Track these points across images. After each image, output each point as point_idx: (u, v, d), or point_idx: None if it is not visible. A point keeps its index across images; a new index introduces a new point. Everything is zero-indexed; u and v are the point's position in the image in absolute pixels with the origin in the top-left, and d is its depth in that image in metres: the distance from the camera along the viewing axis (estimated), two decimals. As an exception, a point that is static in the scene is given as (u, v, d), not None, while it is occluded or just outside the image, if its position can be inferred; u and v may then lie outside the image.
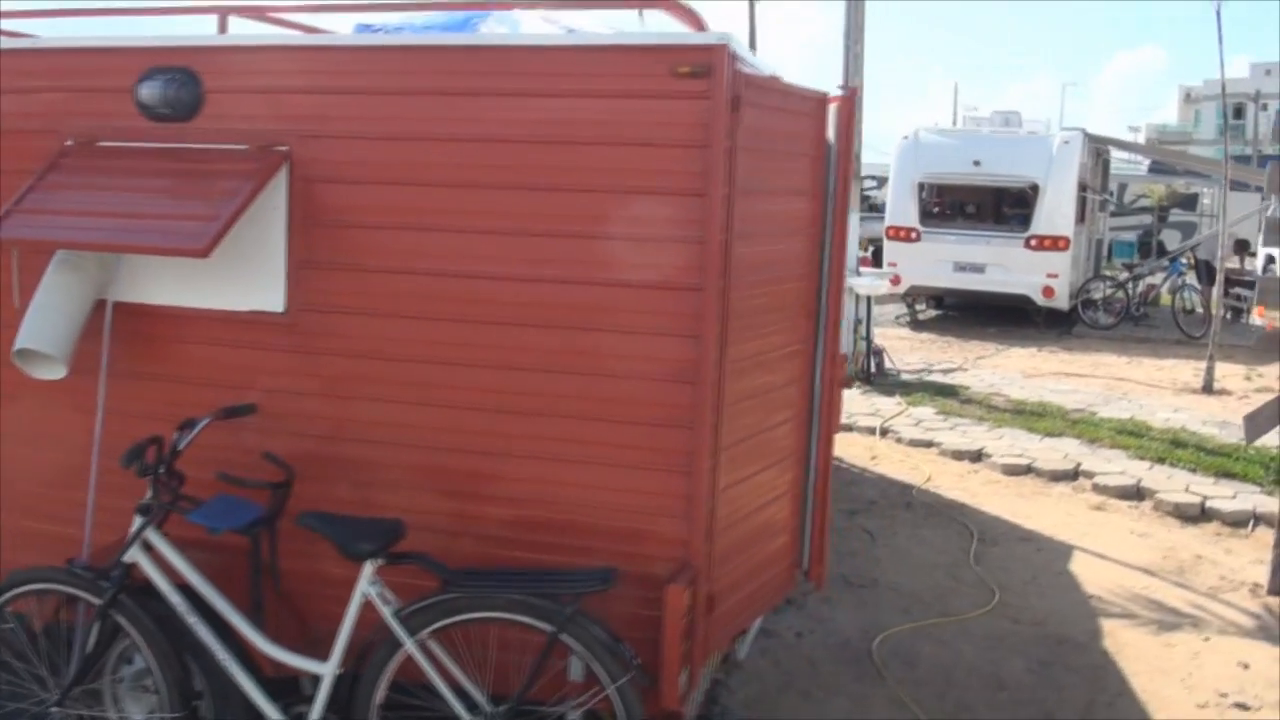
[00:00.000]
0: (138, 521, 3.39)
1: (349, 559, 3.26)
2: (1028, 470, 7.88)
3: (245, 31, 3.94)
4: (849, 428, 9.30)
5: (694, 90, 3.18)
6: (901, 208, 14.68)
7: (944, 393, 10.49)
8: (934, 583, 5.93)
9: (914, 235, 14.45)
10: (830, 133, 4.07)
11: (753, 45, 10.78)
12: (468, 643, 3.31)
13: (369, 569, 3.28)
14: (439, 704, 3.26)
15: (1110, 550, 6.39)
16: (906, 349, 13.30)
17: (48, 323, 3.52)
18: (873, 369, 11.31)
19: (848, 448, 8.73)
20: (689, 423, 3.33)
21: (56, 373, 3.59)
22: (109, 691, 3.74)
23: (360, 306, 3.54)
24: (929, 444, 8.69)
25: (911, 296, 15.27)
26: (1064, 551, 6.41)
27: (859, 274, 11.37)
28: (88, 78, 3.66)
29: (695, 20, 3.22)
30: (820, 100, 3.99)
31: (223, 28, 3.67)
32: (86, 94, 3.67)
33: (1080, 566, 6.17)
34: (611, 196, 3.30)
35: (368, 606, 3.25)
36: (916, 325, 15.36)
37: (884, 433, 9.10)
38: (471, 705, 3.27)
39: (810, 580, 4.48)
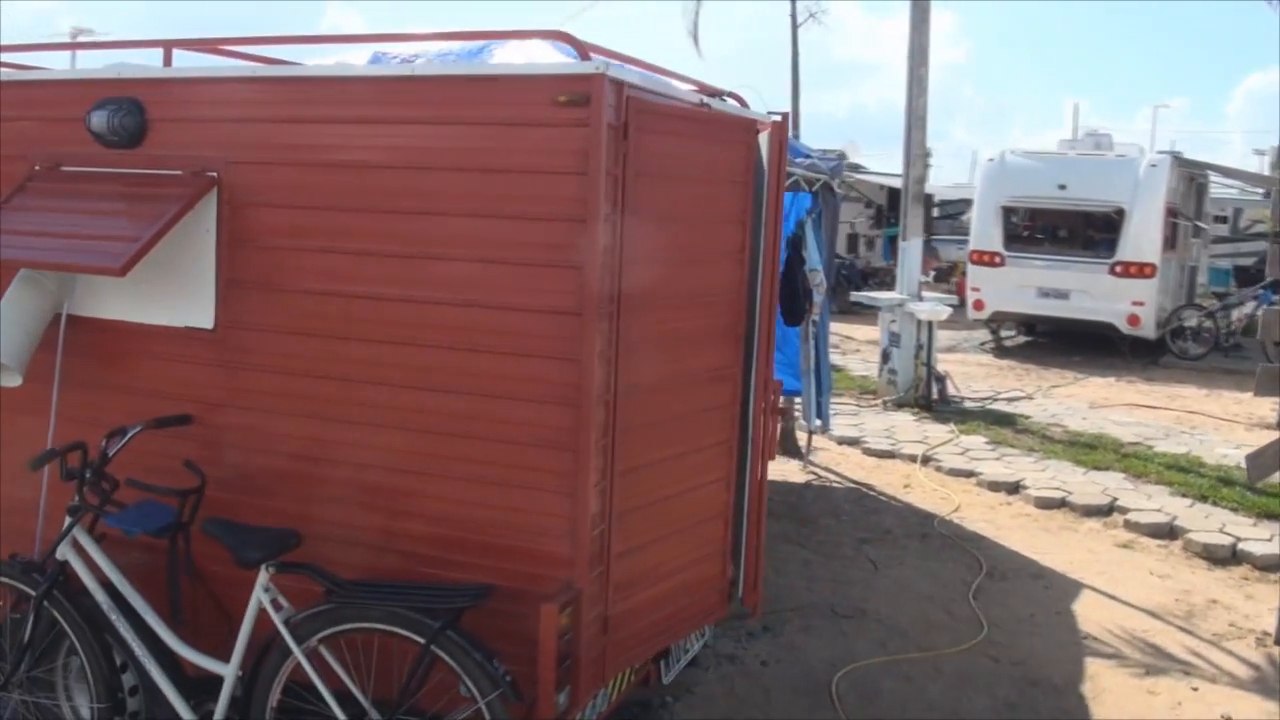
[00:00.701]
0: (67, 522, 3.64)
1: (240, 565, 3.43)
2: (1061, 504, 7.64)
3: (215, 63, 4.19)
4: (891, 455, 9.18)
5: (574, 118, 3.25)
6: (985, 231, 14.34)
7: (1001, 421, 10.23)
8: (924, 616, 5.82)
9: (998, 260, 14.10)
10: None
11: (796, 70, 10.70)
12: (365, 651, 3.44)
13: (263, 575, 3.45)
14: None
15: (1122, 590, 6.16)
16: (981, 376, 13.00)
17: (5, 335, 3.81)
18: (934, 395, 11.10)
19: (882, 475, 8.63)
20: (571, 445, 3.39)
21: (13, 381, 3.87)
22: (60, 681, 4.00)
23: (277, 325, 3.72)
24: (969, 474, 8.51)
25: (995, 322, 14.88)
26: (1073, 590, 6.20)
27: (920, 298, 11.19)
28: (52, 108, 3.95)
29: (581, 49, 3.29)
30: (750, 126, 4.01)
31: (167, 60, 3.91)
32: (52, 123, 3.96)
33: (1084, 606, 5.96)
34: (499, 221, 3.40)
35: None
36: (1000, 352, 14.96)
37: (925, 461, 8.94)
38: (360, 712, 3.40)
39: (745, 606, 4.47)
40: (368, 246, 3.57)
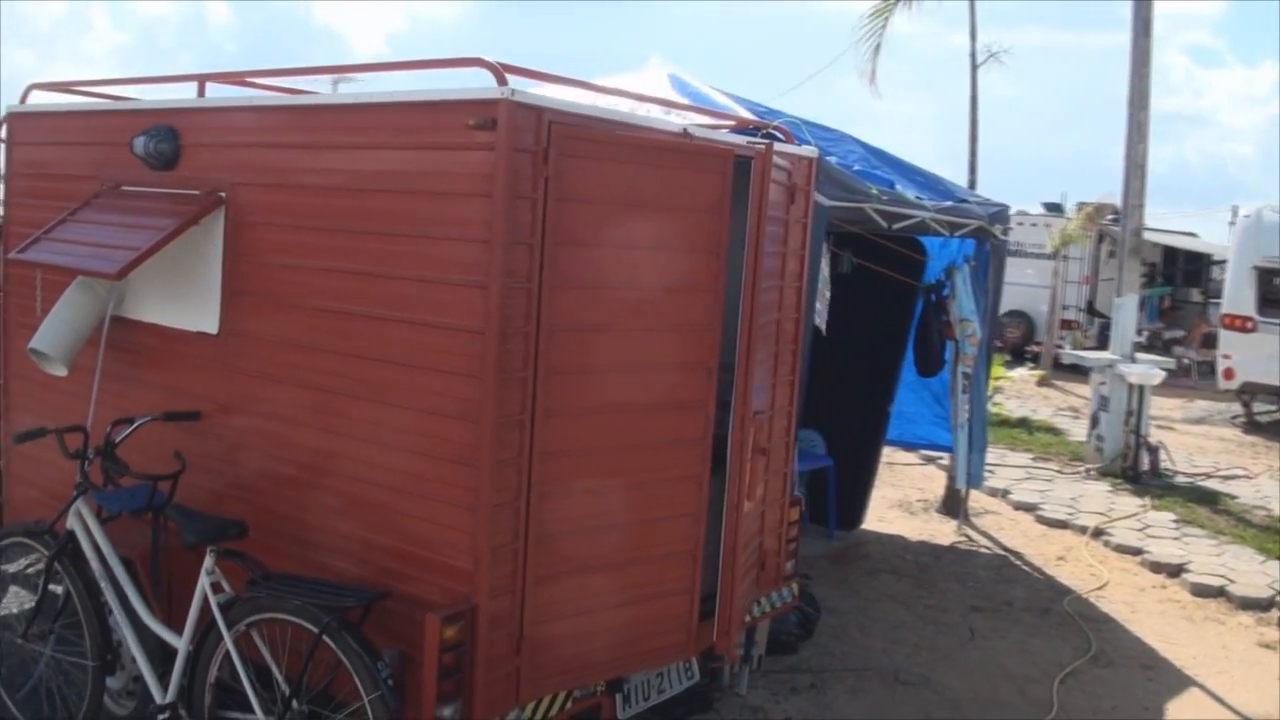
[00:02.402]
0: (73, 495, 4.11)
1: (183, 547, 3.74)
2: (1219, 593, 6.78)
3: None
4: (1063, 525, 8.47)
5: (483, 142, 3.34)
6: (1238, 294, 12.91)
7: (1203, 500, 9.18)
8: (992, 694, 5.36)
9: (1250, 325, 12.64)
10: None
11: (974, 111, 10.11)
12: (295, 639, 3.64)
13: (208, 560, 3.74)
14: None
15: (1237, 695, 5.41)
16: (1214, 451, 11.69)
17: (56, 330, 4.36)
18: (1144, 466, 10.10)
19: (1041, 545, 8.01)
20: (472, 461, 3.45)
21: (59, 370, 4.42)
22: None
23: (261, 332, 4.03)
24: (1136, 552, 7.73)
25: (1247, 394, 13.28)
26: (1180, 686, 5.50)
27: (1133, 360, 10.26)
28: (116, 134, 4.49)
29: (498, 75, 3.37)
30: (724, 156, 3.93)
31: (201, 91, 4.36)
32: (116, 148, 4.50)
33: (1182, 707, 5.28)
34: (422, 241, 3.54)
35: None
36: (1251, 427, 13.32)
37: (1096, 534, 8.19)
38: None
39: (719, 652, 4.30)
40: (326, 263, 3.81)
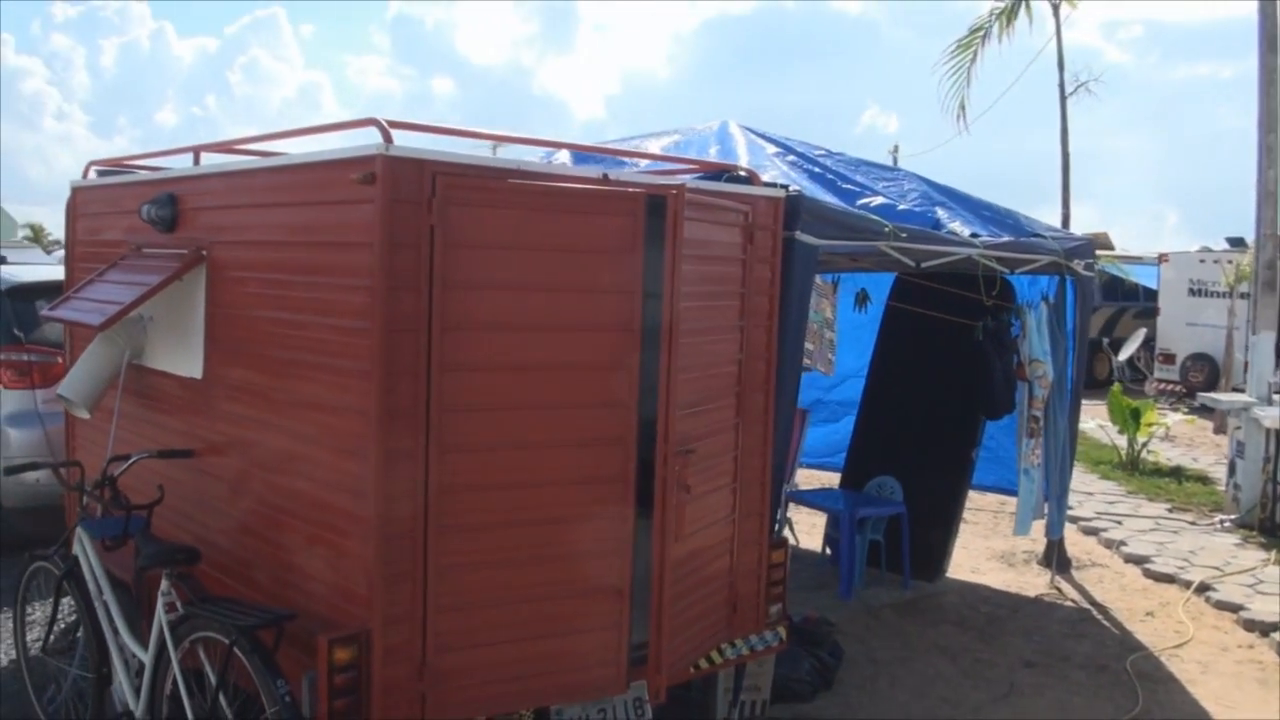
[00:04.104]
0: (74, 523, 4.60)
1: (139, 569, 4.15)
2: (1306, 656, 6.16)
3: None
4: (1170, 579, 7.91)
5: (366, 195, 3.61)
6: None
7: (1339, 555, 8.32)
8: (1002, 752, 5.10)
9: None
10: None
11: (1065, 144, 9.59)
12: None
13: (164, 582, 4.13)
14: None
15: (1276, 765, 4.90)
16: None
17: (79, 379, 4.92)
18: (1282, 518, 9.27)
19: (1134, 600, 7.58)
20: (364, 492, 3.68)
21: (83, 414, 4.98)
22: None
23: (229, 377, 4.43)
24: (1235, 608, 7.14)
25: None
26: (1216, 754, 5.05)
27: (1270, 402, 9.48)
28: (137, 202, 5.05)
29: (385, 134, 3.62)
30: (635, 199, 4.04)
31: (196, 160, 4.85)
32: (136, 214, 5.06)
33: (1205, 774, 4.84)
34: (325, 288, 3.84)
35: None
36: None
37: (1201, 589, 7.59)
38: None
39: (650, 688, 4.32)
40: (264, 312, 4.18)
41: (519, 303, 3.90)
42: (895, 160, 20.47)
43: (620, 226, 4.03)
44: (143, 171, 5.52)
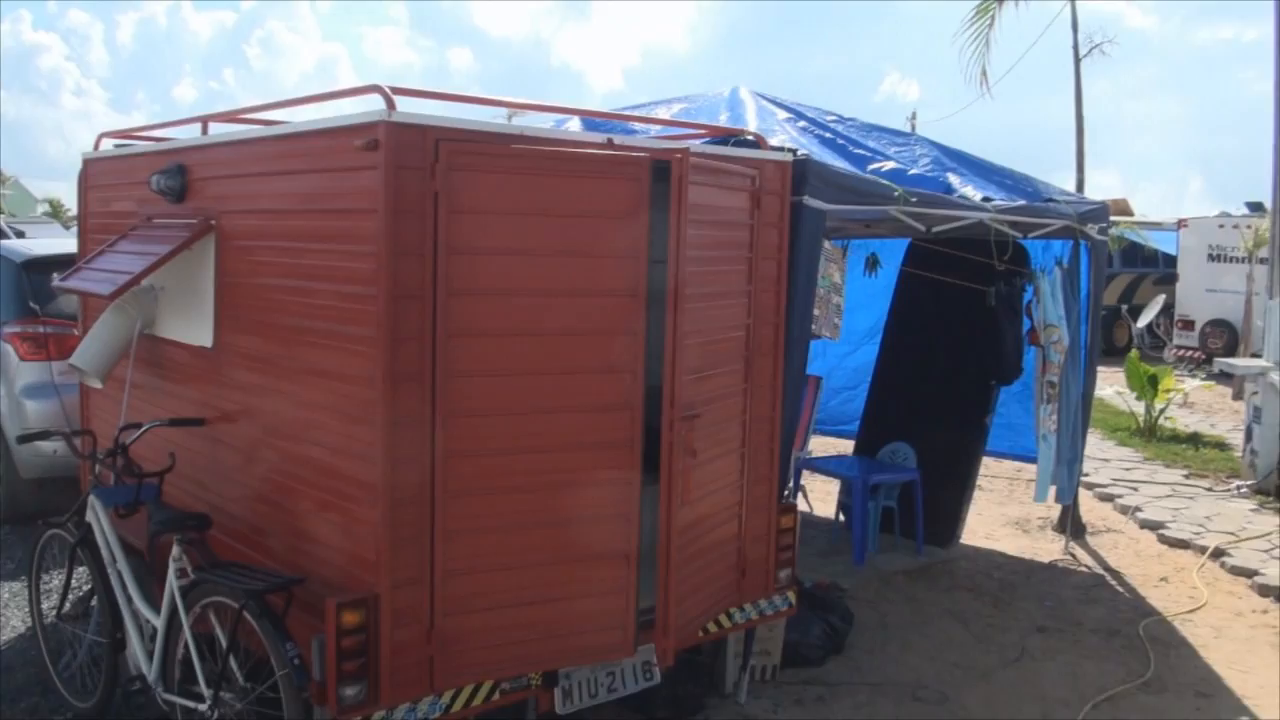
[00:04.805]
0: (86, 492, 4.65)
1: (150, 535, 4.19)
2: (1320, 620, 6.13)
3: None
4: (1184, 545, 7.89)
5: (370, 162, 3.61)
6: None
7: (1361, 520, 8.27)
8: (1014, 714, 5.12)
9: None
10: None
11: (1079, 106, 9.46)
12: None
13: (175, 548, 4.17)
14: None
15: (1288, 727, 4.90)
16: None
17: (92, 349, 4.95)
18: (1307, 484, 9.22)
19: (1149, 566, 7.54)
20: (372, 457, 3.71)
21: (96, 384, 5.02)
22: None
23: (239, 346, 4.45)
24: (1251, 573, 7.12)
25: None
26: (1230, 717, 5.04)
27: (1288, 367, 9.40)
28: (146, 173, 5.07)
29: (389, 100, 3.61)
30: (640, 164, 4.02)
31: (204, 130, 4.85)
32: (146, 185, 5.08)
33: (1218, 736, 4.84)
34: (331, 255, 3.84)
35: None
36: None
37: (1216, 554, 7.57)
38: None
39: (658, 654, 4.34)
40: (273, 280, 4.19)
41: (524, 268, 3.90)
42: (913, 127, 20.31)
43: (625, 191, 4.02)
44: (152, 142, 5.53)
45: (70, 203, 40.08)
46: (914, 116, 28.71)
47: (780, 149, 4.95)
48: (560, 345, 4.00)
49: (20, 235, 13.84)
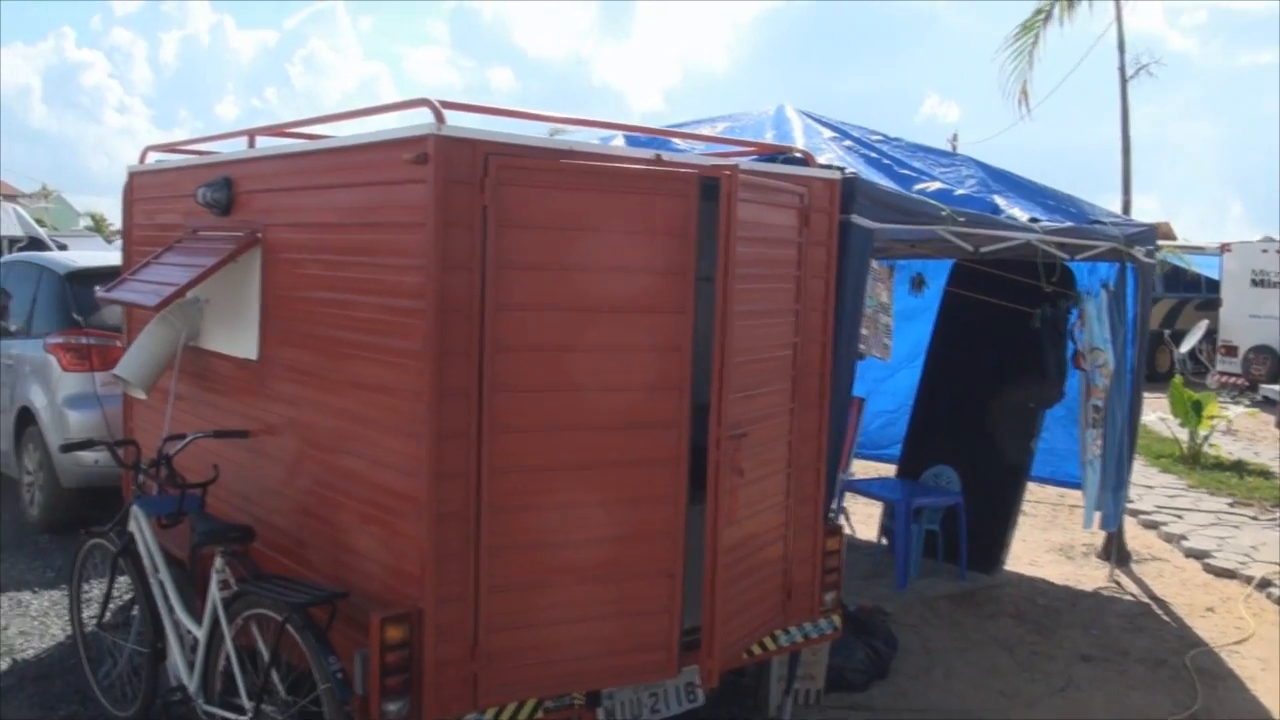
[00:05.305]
0: (129, 501, 4.66)
1: (193, 547, 4.18)
2: (1376, 654, 5.97)
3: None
4: (1230, 574, 7.73)
5: (419, 176, 3.60)
6: None
7: None
8: (1062, 746, 5.00)
9: None
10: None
11: (1125, 128, 9.32)
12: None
13: (218, 560, 4.16)
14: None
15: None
16: None
17: (136, 360, 4.97)
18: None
19: (1194, 595, 7.39)
20: (417, 472, 3.68)
21: (140, 394, 5.03)
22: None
23: (284, 358, 4.45)
24: (1304, 605, 6.92)
25: None
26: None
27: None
28: (192, 186, 5.09)
29: (438, 114, 3.60)
30: (688, 180, 3.98)
31: (251, 143, 4.87)
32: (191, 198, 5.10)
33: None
34: (379, 269, 3.84)
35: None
36: None
37: (1263, 585, 7.41)
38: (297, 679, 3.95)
39: (702, 675, 4.27)
40: (319, 293, 4.19)
41: (571, 283, 3.87)
42: (954, 148, 20.15)
43: (673, 207, 3.98)
44: (197, 156, 5.57)
45: (113, 217, 40.75)
46: (955, 138, 28.50)
47: (829, 167, 4.90)
48: (606, 361, 3.96)
49: (63, 248, 14.04)
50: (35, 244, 13.91)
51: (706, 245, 4.04)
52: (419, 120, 3.65)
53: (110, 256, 10.07)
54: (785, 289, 4.58)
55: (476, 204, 3.64)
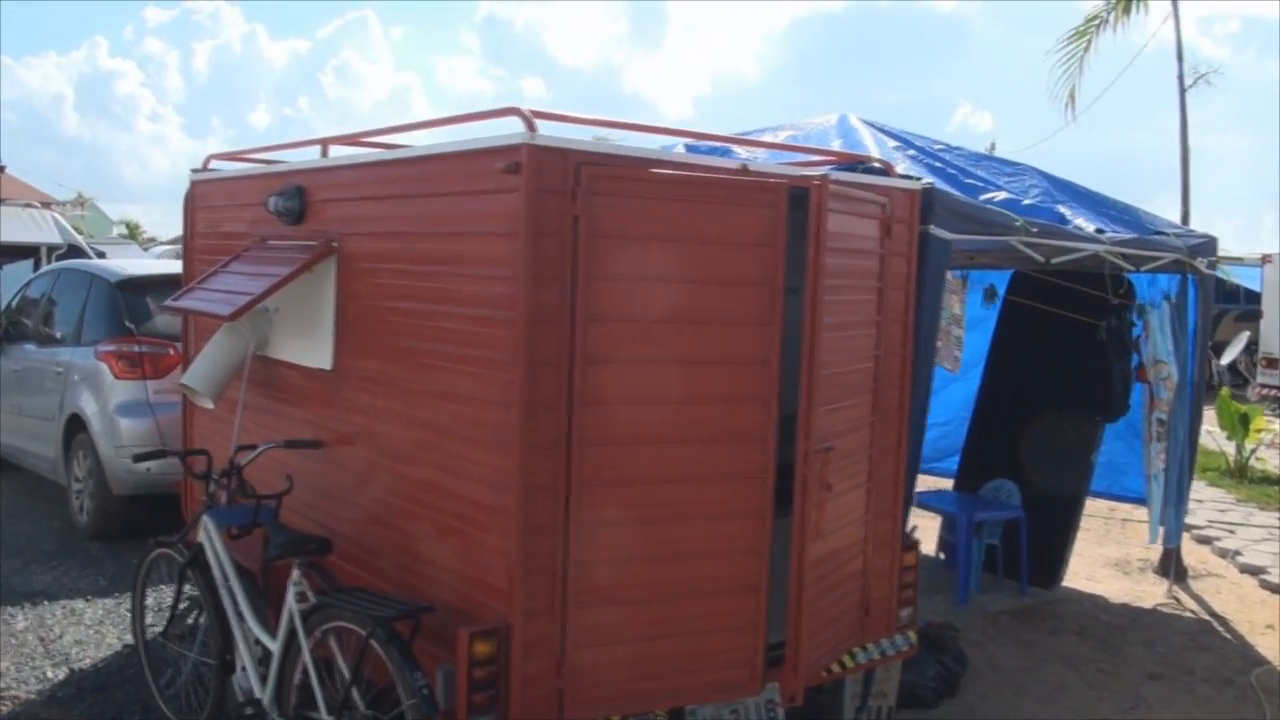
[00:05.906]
0: (199, 512, 4.61)
1: (269, 559, 4.12)
2: None
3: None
4: (1291, 591, 7.59)
5: (510, 185, 3.54)
6: None
7: None
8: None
9: None
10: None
11: (1185, 138, 9.20)
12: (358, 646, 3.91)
13: (295, 572, 4.10)
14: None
15: None
16: None
17: (204, 369, 4.93)
18: None
19: (1253, 611, 7.30)
20: (506, 485, 3.61)
21: (206, 404, 4.99)
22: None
23: (362, 368, 4.39)
24: (1377, 623, 6.78)
25: None
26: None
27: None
28: (263, 195, 5.05)
29: (529, 122, 3.54)
30: (776, 190, 3.91)
31: (324, 152, 4.82)
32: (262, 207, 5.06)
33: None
34: (467, 280, 3.78)
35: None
36: None
37: (1328, 604, 7.25)
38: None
39: (786, 691, 4.19)
40: (401, 304, 4.13)
41: (659, 294, 3.80)
42: (992, 157, 19.96)
43: (762, 218, 3.90)
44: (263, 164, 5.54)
45: (146, 225, 41.05)
46: (992, 147, 28.33)
47: (910, 177, 4.82)
48: (693, 374, 3.88)
49: (101, 256, 14.07)
50: (75, 251, 13.96)
51: (794, 256, 3.97)
52: (505, 129, 3.59)
53: (156, 265, 10.10)
54: (868, 300, 4.51)
55: (568, 214, 3.57)
